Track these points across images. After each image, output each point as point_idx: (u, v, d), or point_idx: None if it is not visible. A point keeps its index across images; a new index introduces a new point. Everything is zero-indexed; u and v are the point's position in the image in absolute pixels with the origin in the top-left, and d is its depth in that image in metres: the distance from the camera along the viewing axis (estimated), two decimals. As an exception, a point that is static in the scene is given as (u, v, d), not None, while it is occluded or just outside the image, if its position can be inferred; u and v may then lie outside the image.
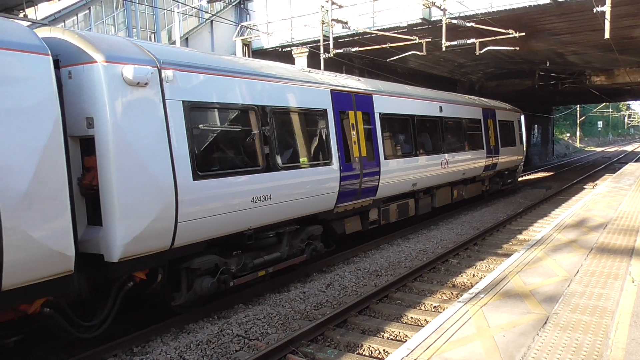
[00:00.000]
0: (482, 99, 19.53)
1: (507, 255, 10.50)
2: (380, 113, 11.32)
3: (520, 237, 12.86)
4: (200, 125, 7.03)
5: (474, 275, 9.59)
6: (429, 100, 13.97)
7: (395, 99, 12.24)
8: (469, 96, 18.51)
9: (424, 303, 8.08)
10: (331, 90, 9.82)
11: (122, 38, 7.55)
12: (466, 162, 15.72)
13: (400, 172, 11.89)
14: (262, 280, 8.62)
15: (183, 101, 6.70)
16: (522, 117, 22.45)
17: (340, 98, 10.04)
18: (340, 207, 9.95)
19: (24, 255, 4.93)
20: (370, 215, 11.29)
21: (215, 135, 7.40)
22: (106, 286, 6.31)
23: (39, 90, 5.13)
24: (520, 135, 21.75)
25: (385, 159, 11.23)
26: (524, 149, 22.93)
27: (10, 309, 5.26)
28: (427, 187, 13.58)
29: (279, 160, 8.27)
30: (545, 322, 5.11)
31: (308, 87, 9.27)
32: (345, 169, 9.80)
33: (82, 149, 6.07)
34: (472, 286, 7.99)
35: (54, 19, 16.85)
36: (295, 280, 9.27)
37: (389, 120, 11.73)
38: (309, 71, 10.21)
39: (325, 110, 9.56)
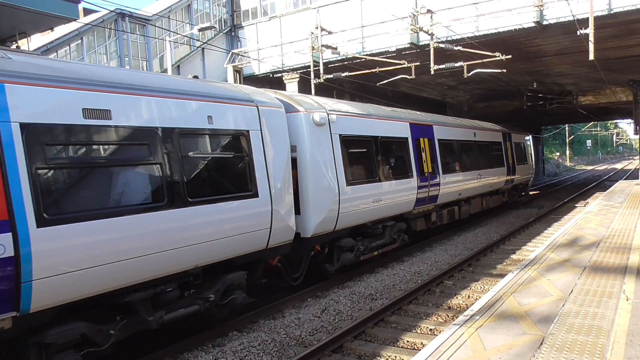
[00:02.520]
0: (501, 126, 22.52)
1: (502, 275, 10.50)
2: (438, 139, 14.92)
3: (513, 257, 12.87)
4: (347, 149, 10.61)
5: (469, 296, 9.56)
6: (468, 128, 17.82)
7: (447, 128, 15.96)
8: (493, 124, 21.87)
9: (419, 326, 8.03)
10: (409, 123, 13.45)
11: (306, 96, 11.00)
12: (493, 177, 19.32)
13: (452, 184, 15.38)
14: (372, 259, 11.91)
15: (339, 134, 10.39)
16: (530, 137, 26.66)
17: (415, 129, 13.71)
18: (415, 209, 13.42)
19: (278, 227, 8.24)
20: (432, 217, 14.59)
21: (354, 155, 10.97)
22: (295, 255, 9.52)
23: (282, 129, 8.68)
24: (531, 154, 25.95)
25: (443, 174, 14.75)
26: (533, 166, 27.11)
27: (266, 261, 8.60)
28: (467, 197, 16.92)
29: (385, 173, 11.89)
30: (541, 343, 5.09)
31: (397, 122, 12.99)
32: (419, 181, 13.32)
33: None
34: (467, 308, 7.96)
35: (46, 50, 16.98)
36: (290, 306, 9.20)
37: (444, 144, 15.28)
38: (392, 110, 13.86)
39: (407, 138, 13.19)
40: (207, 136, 7.29)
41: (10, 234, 4.86)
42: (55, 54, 17.44)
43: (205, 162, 7.20)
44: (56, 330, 5.43)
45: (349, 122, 10.85)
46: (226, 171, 7.61)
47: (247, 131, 7.87)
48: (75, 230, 5.37)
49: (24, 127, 5.06)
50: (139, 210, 6.04)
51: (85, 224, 5.46)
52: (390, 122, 12.62)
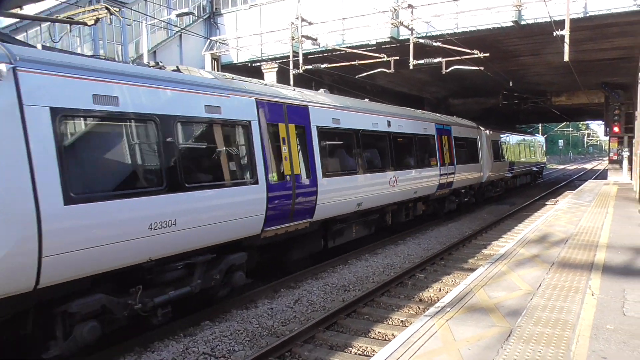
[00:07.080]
0: (535, 133, 43.28)
1: (473, 269, 10.66)
2: (512, 143, 27.79)
3: (485, 251, 13.09)
4: (493, 146, 22.88)
5: (440, 289, 9.69)
6: (521, 134, 32.20)
7: (513, 135, 28.69)
8: (533, 134, 41.19)
9: (391, 318, 8.10)
10: (499, 133, 25.25)
11: (480, 123, 22.88)
12: (531, 164, 32.92)
13: (517, 167, 27.78)
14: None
15: (491, 139, 22.73)
16: (544, 138, 43.72)
17: (501, 136, 25.81)
18: (505, 176, 25.45)
19: (481, 175, 21.31)
20: (508, 183, 26.85)
21: (494, 149, 22.95)
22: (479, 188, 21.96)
23: (481, 137, 21.57)
24: (545, 150, 41.91)
25: (512, 164, 26.80)
26: (545, 158, 43.27)
27: (476, 187, 21.46)
28: (519, 174, 29.03)
29: (501, 157, 24.38)
30: (509, 335, 5.19)
31: (499, 133, 24.86)
32: (508, 164, 25.74)
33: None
34: (438, 300, 8.04)
35: (15, 29, 16.44)
36: (263, 297, 9.17)
37: (513, 144, 27.93)
38: (489, 132, 23.66)
39: (499, 142, 24.78)
40: (471, 140, 19.54)
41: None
42: (25, 34, 16.91)
43: (468, 150, 19.05)
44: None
45: (494, 134, 23.08)
46: (471, 153, 19.32)
47: (476, 138, 20.10)
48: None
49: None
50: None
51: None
52: (500, 133, 24.85)
